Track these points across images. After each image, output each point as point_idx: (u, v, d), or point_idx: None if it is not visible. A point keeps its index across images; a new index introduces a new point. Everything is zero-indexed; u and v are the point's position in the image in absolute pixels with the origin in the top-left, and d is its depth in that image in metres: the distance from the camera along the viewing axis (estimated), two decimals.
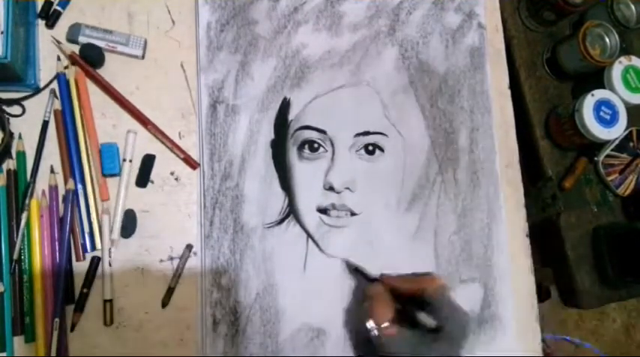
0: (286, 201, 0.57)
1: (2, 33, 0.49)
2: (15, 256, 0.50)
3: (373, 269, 0.56)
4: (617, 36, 0.75)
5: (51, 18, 0.56)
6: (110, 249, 0.53)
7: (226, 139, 0.57)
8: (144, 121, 0.55)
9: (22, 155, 0.53)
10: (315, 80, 0.59)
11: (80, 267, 0.52)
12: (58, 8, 0.56)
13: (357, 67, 0.61)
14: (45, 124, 0.53)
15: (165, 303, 0.53)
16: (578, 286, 0.75)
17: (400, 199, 0.59)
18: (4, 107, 0.53)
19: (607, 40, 0.75)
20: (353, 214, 0.57)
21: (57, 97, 0.54)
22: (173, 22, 0.59)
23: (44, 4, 0.56)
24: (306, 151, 0.58)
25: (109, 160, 0.53)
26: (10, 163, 0.52)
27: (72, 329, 0.51)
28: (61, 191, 0.53)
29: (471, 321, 0.49)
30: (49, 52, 0.55)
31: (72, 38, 0.56)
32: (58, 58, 0.55)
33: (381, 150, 0.59)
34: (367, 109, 0.60)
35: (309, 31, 0.61)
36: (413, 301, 0.49)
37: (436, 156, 0.61)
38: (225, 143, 0.56)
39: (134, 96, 0.56)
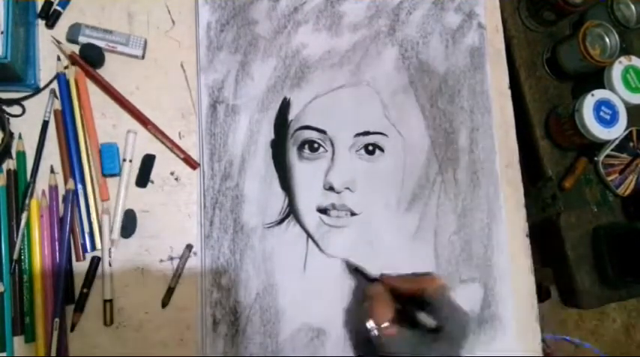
0: (286, 201, 0.57)
1: (2, 33, 0.49)
2: (15, 256, 0.50)
3: (373, 269, 0.56)
4: (617, 36, 0.75)
5: (51, 18, 0.56)
6: (110, 249, 0.53)
7: (226, 139, 0.57)
8: (144, 121, 0.55)
9: (22, 155, 0.53)
10: (315, 80, 0.59)
11: (80, 267, 0.52)
12: (58, 8, 0.56)
13: (357, 67, 0.61)
14: (45, 124, 0.53)
15: (165, 303, 0.53)
16: (578, 286, 0.75)
17: (400, 199, 0.59)
18: (4, 107, 0.53)
19: (607, 40, 0.75)
20: (353, 214, 0.57)
21: (57, 97, 0.54)
22: (173, 22, 0.59)
23: (44, 4, 0.56)
24: (306, 151, 0.58)
25: (109, 160, 0.53)
26: (10, 163, 0.52)
27: (72, 329, 0.51)
28: (61, 191, 0.53)
29: (471, 321, 0.50)
30: (49, 52, 0.55)
31: (72, 38, 0.56)
32: (58, 58, 0.55)
33: (381, 150, 0.59)
34: (367, 109, 0.60)
35: (309, 31, 0.61)
36: (413, 301, 0.49)
37: (436, 156, 0.61)
38: (225, 143, 0.56)
39: (134, 96, 0.56)
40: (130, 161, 0.55)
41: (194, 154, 0.56)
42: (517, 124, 0.66)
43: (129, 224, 0.53)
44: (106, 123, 0.55)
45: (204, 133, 0.56)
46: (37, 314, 0.50)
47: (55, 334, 0.49)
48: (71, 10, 0.57)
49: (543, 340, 0.62)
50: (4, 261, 0.50)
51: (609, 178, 0.77)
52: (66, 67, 0.55)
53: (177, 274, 0.54)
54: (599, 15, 0.77)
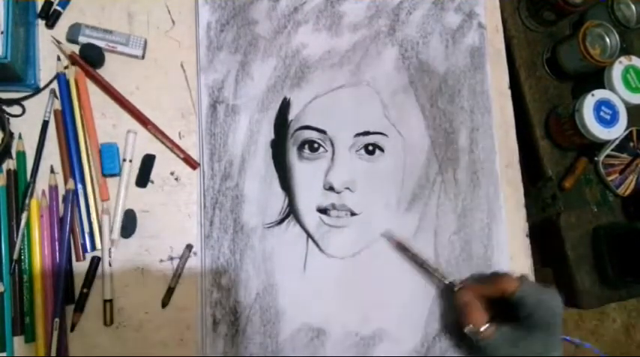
0: (286, 201, 0.57)
1: (2, 33, 0.49)
2: (15, 256, 0.50)
3: (375, 269, 0.56)
4: (617, 36, 0.74)
5: (51, 18, 0.56)
6: (110, 249, 0.53)
7: (226, 139, 0.57)
8: (144, 121, 0.55)
9: (22, 155, 0.53)
10: (315, 80, 0.59)
11: (80, 267, 0.52)
12: (58, 8, 0.56)
13: (357, 67, 0.61)
14: (45, 124, 0.53)
15: (165, 303, 0.53)
16: (578, 286, 0.75)
17: (400, 199, 0.59)
18: (4, 107, 0.53)
19: (607, 40, 0.75)
20: (353, 214, 0.57)
21: (57, 97, 0.54)
22: (173, 22, 0.59)
23: (44, 4, 0.56)
24: (306, 151, 0.58)
25: (109, 160, 0.53)
26: (10, 163, 0.52)
27: (72, 329, 0.51)
28: (61, 191, 0.53)
29: (560, 300, 0.51)
30: (49, 52, 0.55)
31: (72, 38, 0.56)
32: (58, 58, 0.55)
33: (381, 150, 0.59)
34: (367, 109, 0.60)
35: (309, 31, 0.61)
36: (499, 300, 0.50)
37: (436, 156, 0.61)
38: (225, 143, 0.56)
39: (134, 96, 0.56)
40: (130, 161, 0.55)
41: (194, 154, 0.56)
42: (517, 124, 0.66)
43: (129, 224, 0.53)
44: (106, 123, 0.55)
45: (204, 133, 0.56)
46: (37, 314, 0.50)
47: (55, 334, 0.49)
48: (71, 10, 0.57)
49: None
50: (4, 261, 0.50)
51: (609, 178, 0.77)
52: (66, 67, 0.55)
53: (177, 274, 0.54)
54: (599, 15, 0.77)
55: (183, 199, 0.56)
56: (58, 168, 0.53)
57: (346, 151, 0.58)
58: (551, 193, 0.74)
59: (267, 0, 0.60)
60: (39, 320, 0.50)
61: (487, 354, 0.50)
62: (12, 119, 0.53)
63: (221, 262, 0.54)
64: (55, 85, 0.55)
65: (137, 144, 0.55)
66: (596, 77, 0.75)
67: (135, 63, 0.57)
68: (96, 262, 0.52)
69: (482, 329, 0.50)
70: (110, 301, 0.52)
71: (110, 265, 0.52)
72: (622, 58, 0.74)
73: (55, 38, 0.55)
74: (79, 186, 0.53)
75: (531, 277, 0.62)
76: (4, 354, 0.49)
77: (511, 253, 0.61)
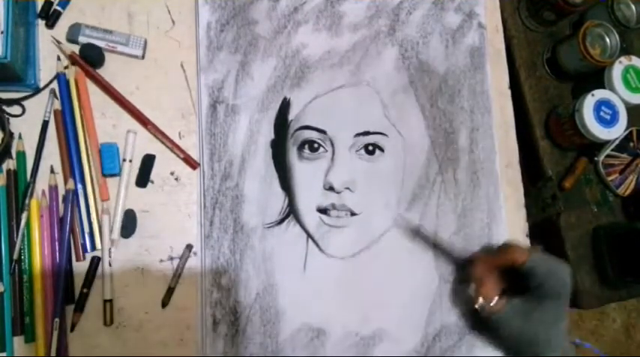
0: (286, 201, 0.57)
1: (2, 33, 0.49)
2: (15, 256, 0.50)
3: (375, 269, 0.56)
4: (617, 36, 0.74)
5: (51, 18, 0.56)
6: (110, 249, 0.53)
7: (226, 139, 0.57)
8: (144, 121, 0.55)
9: (22, 155, 0.53)
10: (315, 80, 0.59)
11: (80, 267, 0.52)
12: (58, 8, 0.56)
13: (357, 67, 0.61)
14: (45, 124, 0.53)
15: (165, 303, 0.53)
16: (578, 286, 0.75)
17: (400, 199, 0.59)
18: (4, 107, 0.53)
19: (607, 40, 0.75)
20: (353, 214, 0.57)
21: (57, 97, 0.54)
22: (173, 22, 0.59)
23: (44, 4, 0.56)
24: (306, 151, 0.58)
25: (109, 160, 0.53)
26: (10, 163, 0.52)
27: (72, 329, 0.51)
28: (61, 191, 0.53)
29: (569, 271, 0.51)
30: (49, 52, 0.55)
31: (72, 38, 0.56)
32: (58, 58, 0.55)
33: (381, 150, 0.59)
34: (367, 109, 0.60)
35: (309, 31, 0.61)
36: (510, 271, 0.50)
37: (436, 156, 0.61)
38: (225, 143, 0.56)
39: (134, 96, 0.56)
40: (130, 161, 0.55)
41: (194, 154, 0.56)
42: (517, 124, 0.66)
43: (129, 224, 0.53)
44: (106, 123, 0.55)
45: (204, 133, 0.56)
46: (37, 314, 0.50)
47: (55, 334, 0.49)
48: (71, 10, 0.57)
49: None
50: (4, 261, 0.50)
51: (609, 178, 0.77)
52: (66, 67, 0.55)
53: (177, 274, 0.54)
54: (599, 15, 0.77)
55: (183, 199, 0.56)
56: (58, 168, 0.53)
57: (346, 151, 0.58)
58: (551, 193, 0.74)
59: (267, 0, 0.60)
60: (39, 320, 0.50)
61: (500, 329, 0.50)
62: (12, 119, 0.53)
63: (221, 262, 0.54)
64: (55, 85, 0.55)
65: (137, 144, 0.55)
66: (596, 77, 0.75)
67: (135, 63, 0.57)
68: (96, 262, 0.52)
69: (492, 303, 0.50)
70: (110, 301, 0.52)
71: (110, 265, 0.52)
72: (622, 58, 0.74)
73: (55, 38, 0.55)
74: (79, 186, 0.53)
75: None
76: (4, 354, 0.49)
77: None
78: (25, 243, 0.51)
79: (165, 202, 0.55)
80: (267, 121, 0.58)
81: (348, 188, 0.58)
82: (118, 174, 0.54)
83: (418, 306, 0.57)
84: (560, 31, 0.81)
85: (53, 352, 0.49)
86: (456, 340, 0.57)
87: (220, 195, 0.55)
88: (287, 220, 0.56)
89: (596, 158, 0.77)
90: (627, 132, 0.75)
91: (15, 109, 0.54)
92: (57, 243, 0.51)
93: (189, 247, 0.55)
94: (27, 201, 0.51)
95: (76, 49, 0.55)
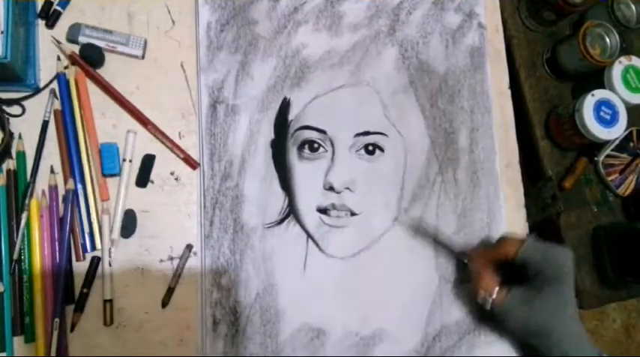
0: (286, 201, 0.57)
1: (2, 33, 0.49)
2: (15, 256, 0.50)
3: (375, 269, 0.56)
4: (617, 36, 0.74)
5: (51, 18, 0.56)
6: (110, 249, 0.53)
7: (226, 139, 0.57)
8: (144, 121, 0.55)
9: (22, 155, 0.53)
10: (315, 80, 0.59)
11: (80, 267, 0.52)
12: (58, 8, 0.56)
13: (357, 67, 0.61)
14: (45, 124, 0.53)
15: (165, 303, 0.53)
16: (578, 286, 0.75)
17: (400, 199, 0.59)
18: (4, 107, 0.53)
19: (607, 40, 0.75)
20: (353, 214, 0.57)
21: (57, 97, 0.54)
22: (173, 22, 0.59)
23: (44, 4, 0.56)
24: (306, 151, 0.58)
25: (109, 160, 0.53)
26: (10, 163, 0.52)
27: (72, 329, 0.51)
28: (61, 191, 0.53)
29: (571, 256, 0.51)
30: (49, 52, 0.55)
31: (72, 38, 0.56)
32: (58, 58, 0.55)
33: (381, 150, 0.59)
34: (367, 109, 0.60)
35: (309, 31, 0.61)
36: (507, 263, 0.52)
37: (436, 156, 0.61)
38: (225, 143, 0.56)
39: (134, 96, 0.56)
40: (130, 161, 0.54)
41: (194, 154, 0.56)
42: (517, 124, 0.66)
43: (129, 224, 0.53)
44: (106, 123, 0.55)
45: (204, 133, 0.56)
46: (37, 314, 0.50)
47: (55, 334, 0.49)
48: (71, 10, 0.57)
49: None
50: (4, 261, 0.50)
51: (609, 178, 0.77)
52: (66, 67, 0.55)
53: (177, 274, 0.54)
54: (599, 15, 0.77)
55: (183, 199, 0.56)
56: (58, 168, 0.53)
57: (346, 151, 0.58)
58: (551, 193, 0.74)
59: (267, 0, 0.60)
60: (39, 320, 0.50)
61: (503, 320, 0.51)
62: (12, 119, 0.53)
63: (221, 262, 0.54)
64: (55, 85, 0.55)
65: (137, 144, 0.55)
66: (596, 77, 0.75)
67: (135, 63, 0.57)
68: (96, 262, 0.52)
69: (494, 295, 0.50)
70: (110, 301, 0.52)
71: (110, 265, 0.52)
72: (622, 58, 0.74)
73: (55, 38, 0.55)
74: (79, 186, 0.53)
75: None
76: (4, 354, 0.49)
77: None
78: (25, 243, 0.51)
79: (165, 202, 0.55)
80: (267, 121, 0.58)
81: (348, 188, 0.57)
82: (118, 174, 0.54)
83: (418, 306, 0.57)
84: (560, 31, 0.81)
85: (53, 352, 0.49)
86: (456, 340, 0.57)
87: (220, 195, 0.55)
88: (287, 220, 0.56)
89: (596, 158, 0.77)
90: (627, 132, 0.75)
91: (15, 109, 0.54)
92: (57, 243, 0.51)
93: (189, 247, 0.55)
94: (27, 201, 0.51)
95: (76, 49, 0.55)
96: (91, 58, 0.55)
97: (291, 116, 0.58)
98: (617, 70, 0.74)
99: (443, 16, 0.64)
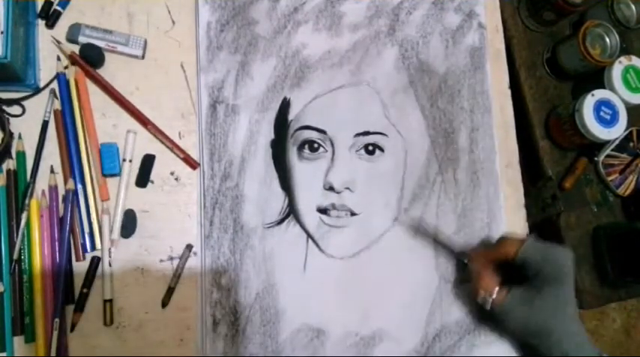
0: (286, 201, 0.57)
1: (2, 33, 0.49)
2: (15, 256, 0.50)
3: (375, 269, 0.56)
4: (617, 36, 0.74)
5: (51, 18, 0.56)
6: (110, 249, 0.53)
7: (226, 139, 0.57)
8: (144, 121, 0.55)
9: (22, 155, 0.53)
10: (315, 80, 0.59)
11: (80, 267, 0.52)
12: (58, 8, 0.56)
13: (357, 67, 0.61)
14: (45, 124, 0.53)
15: (165, 303, 0.53)
16: (578, 286, 0.75)
17: (400, 199, 0.59)
18: (4, 107, 0.53)
19: (607, 40, 0.75)
20: (353, 214, 0.57)
21: (57, 97, 0.54)
22: (173, 22, 0.59)
23: (44, 4, 0.56)
24: (306, 151, 0.58)
25: (109, 160, 0.53)
26: (10, 163, 0.52)
27: (72, 329, 0.51)
28: (61, 191, 0.53)
29: (571, 257, 0.51)
30: (49, 52, 0.55)
31: (72, 38, 0.56)
32: (58, 58, 0.55)
33: (381, 150, 0.59)
34: (367, 109, 0.60)
35: (309, 31, 0.61)
36: (509, 265, 0.52)
37: (436, 156, 0.61)
38: (225, 143, 0.56)
39: (134, 96, 0.56)
40: (130, 161, 0.55)
41: (194, 154, 0.56)
42: (517, 124, 0.66)
43: (129, 224, 0.53)
44: (106, 123, 0.55)
45: (204, 133, 0.56)
46: (37, 314, 0.50)
47: (55, 334, 0.49)
48: (71, 10, 0.57)
49: None
50: (4, 261, 0.50)
51: (609, 178, 0.77)
52: (66, 67, 0.55)
53: (177, 274, 0.54)
54: (599, 15, 0.77)
55: (183, 199, 0.56)
56: (58, 168, 0.53)
57: (346, 151, 0.58)
58: (551, 193, 0.74)
59: (267, 0, 0.60)
60: (39, 320, 0.50)
61: (503, 320, 0.51)
62: (12, 119, 0.53)
63: (221, 262, 0.54)
64: (55, 85, 0.55)
65: (137, 144, 0.55)
66: (596, 77, 0.75)
67: (135, 63, 0.57)
68: (96, 262, 0.52)
69: (494, 295, 0.50)
70: (110, 301, 0.52)
71: (110, 265, 0.52)
72: (622, 58, 0.74)
73: (55, 38, 0.55)
74: (79, 186, 0.53)
75: None
76: (4, 354, 0.49)
77: None
78: (25, 243, 0.51)
79: (165, 202, 0.55)
80: (267, 121, 0.58)
81: (348, 188, 0.57)
82: (118, 174, 0.54)
83: (418, 306, 0.57)
84: (560, 31, 0.81)
85: (53, 352, 0.49)
86: (456, 340, 0.57)
87: (220, 195, 0.55)
88: (287, 220, 0.56)
89: (596, 158, 0.77)
90: (627, 132, 0.75)
91: (15, 109, 0.54)
92: (57, 243, 0.51)
93: (189, 247, 0.55)
94: (27, 201, 0.51)
95: (76, 49, 0.55)
96: (91, 58, 0.55)
97: (291, 116, 0.58)
98: (617, 70, 0.74)
99: (443, 16, 0.64)
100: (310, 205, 0.57)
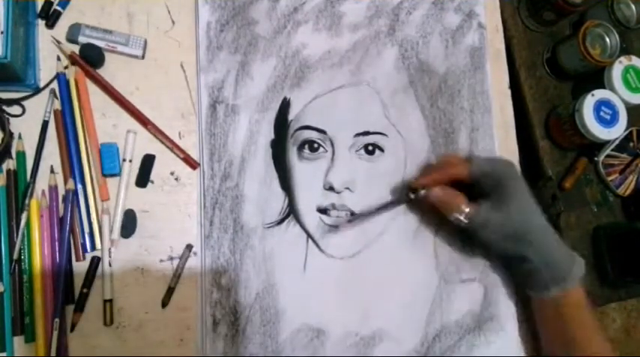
0: (286, 201, 0.57)
1: (2, 33, 0.49)
2: (15, 256, 0.50)
3: (375, 269, 0.56)
4: (617, 36, 0.74)
5: (51, 18, 0.56)
6: (110, 249, 0.53)
7: (226, 139, 0.57)
8: (144, 121, 0.55)
9: (22, 155, 0.53)
10: (315, 80, 0.59)
11: (80, 267, 0.52)
12: (58, 8, 0.56)
13: (357, 67, 0.61)
14: (45, 124, 0.53)
15: (165, 303, 0.53)
16: None
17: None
18: (4, 107, 0.53)
19: (607, 40, 0.75)
20: (353, 214, 0.57)
21: (57, 97, 0.54)
22: (173, 22, 0.59)
23: (44, 4, 0.56)
24: (306, 151, 0.58)
25: (109, 160, 0.53)
26: (10, 163, 0.52)
27: (72, 329, 0.51)
28: (61, 191, 0.53)
29: (509, 162, 0.56)
30: (49, 52, 0.55)
31: (72, 38, 0.56)
32: (58, 58, 0.55)
33: (381, 150, 0.59)
34: (367, 109, 0.60)
35: (309, 31, 0.61)
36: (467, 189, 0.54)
37: (436, 156, 0.61)
38: (225, 143, 0.56)
39: (134, 96, 0.56)
40: (130, 161, 0.55)
41: (194, 154, 0.56)
42: (517, 124, 0.66)
43: (129, 224, 0.53)
44: (106, 123, 0.55)
45: (204, 133, 0.56)
46: (37, 314, 0.50)
47: (55, 334, 0.49)
48: (71, 10, 0.57)
49: None
50: (4, 261, 0.50)
51: (609, 178, 0.77)
52: (66, 67, 0.55)
53: (177, 274, 0.54)
54: (599, 15, 0.77)
55: (183, 199, 0.56)
56: (58, 168, 0.53)
57: (346, 151, 0.58)
58: (551, 193, 0.74)
59: (267, 0, 0.60)
60: (39, 320, 0.50)
61: (484, 228, 0.53)
62: (12, 119, 0.53)
63: (221, 262, 0.54)
64: (55, 85, 0.55)
65: (137, 144, 0.55)
66: (596, 77, 0.75)
67: (135, 63, 0.57)
68: (96, 262, 0.52)
69: (466, 210, 0.52)
70: (110, 301, 0.52)
71: (110, 265, 0.52)
72: (622, 58, 0.74)
73: (55, 38, 0.55)
74: (79, 186, 0.53)
75: None
76: (4, 354, 0.49)
77: None
78: (25, 243, 0.51)
79: (165, 202, 0.55)
80: (267, 121, 0.58)
81: (348, 188, 0.57)
82: (118, 174, 0.54)
83: (418, 306, 0.57)
84: (560, 31, 0.81)
85: (53, 352, 0.49)
86: (456, 340, 0.57)
87: (220, 195, 0.55)
88: (287, 220, 0.56)
89: (596, 158, 0.77)
90: (627, 132, 0.75)
91: (15, 109, 0.54)
92: (57, 243, 0.51)
93: (189, 247, 0.55)
94: (27, 201, 0.51)
95: (76, 49, 0.55)
96: (91, 58, 0.55)
97: (291, 116, 0.58)
98: (617, 70, 0.74)
99: (443, 16, 0.64)
100: (310, 205, 0.57)
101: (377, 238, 0.58)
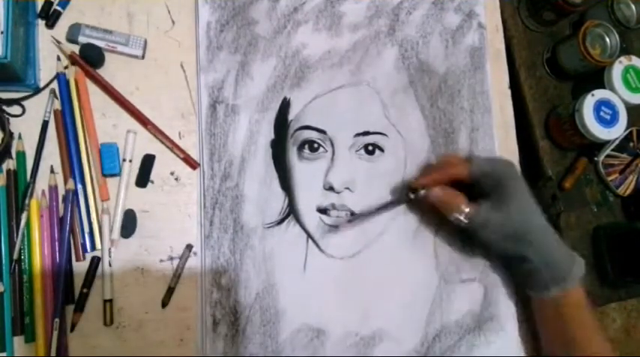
0: (286, 201, 0.57)
1: (2, 33, 0.49)
2: (15, 256, 0.50)
3: (375, 269, 0.56)
4: (617, 36, 0.74)
5: (51, 18, 0.56)
6: (110, 249, 0.53)
7: (226, 139, 0.57)
8: (144, 121, 0.55)
9: (22, 155, 0.53)
10: (315, 80, 0.59)
11: (80, 267, 0.52)
12: (58, 8, 0.56)
13: (357, 67, 0.61)
14: (45, 124, 0.54)
15: (165, 303, 0.53)
16: None
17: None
18: (4, 107, 0.53)
19: (607, 40, 0.75)
20: (353, 214, 0.57)
21: (57, 97, 0.54)
22: (173, 22, 0.59)
23: (44, 4, 0.56)
24: (306, 151, 0.58)
25: (109, 160, 0.53)
26: (10, 163, 0.52)
27: (72, 329, 0.51)
28: (61, 191, 0.53)
29: (509, 162, 0.56)
30: (49, 52, 0.55)
31: (72, 38, 0.56)
32: (58, 58, 0.55)
33: (381, 150, 0.59)
34: (367, 109, 0.60)
35: (309, 31, 0.61)
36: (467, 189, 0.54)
37: (436, 156, 0.61)
38: (225, 143, 0.56)
39: (134, 96, 0.56)
40: (130, 161, 0.55)
41: (194, 154, 0.56)
42: (517, 124, 0.66)
43: (129, 224, 0.53)
44: (106, 123, 0.55)
45: (204, 133, 0.56)
46: (37, 314, 0.50)
47: (55, 334, 0.49)
48: (71, 10, 0.57)
49: None
50: (4, 261, 0.50)
51: (609, 178, 0.77)
52: (66, 67, 0.55)
53: (177, 274, 0.54)
54: (599, 15, 0.77)
55: (183, 199, 0.56)
56: (58, 168, 0.53)
57: (346, 151, 0.58)
58: (551, 193, 0.74)
59: (267, 0, 0.60)
60: (39, 320, 0.50)
61: (485, 228, 0.53)
62: (12, 119, 0.53)
63: (221, 262, 0.54)
64: (55, 85, 0.55)
65: (137, 144, 0.55)
66: (596, 77, 0.75)
67: (135, 63, 0.57)
68: (96, 262, 0.52)
69: (466, 210, 0.52)
70: (110, 301, 0.52)
71: (110, 265, 0.52)
72: (622, 58, 0.74)
73: (55, 38, 0.55)
74: (79, 186, 0.53)
75: None
76: (4, 354, 0.49)
77: None
78: (25, 243, 0.51)
79: (165, 202, 0.55)
80: (267, 121, 0.58)
81: (347, 188, 0.57)
82: (118, 174, 0.54)
83: (418, 306, 0.57)
84: (560, 31, 0.81)
85: (53, 352, 0.49)
86: (456, 340, 0.57)
87: (220, 195, 0.55)
88: (287, 220, 0.56)
89: (596, 158, 0.77)
90: (627, 132, 0.75)
91: (15, 109, 0.54)
92: (57, 243, 0.51)
93: (189, 247, 0.55)
94: (27, 201, 0.51)
95: (76, 49, 0.55)
96: (91, 58, 0.55)
97: (291, 116, 0.58)
98: (617, 70, 0.74)
99: (443, 16, 0.64)
100: (310, 205, 0.57)
101: (377, 238, 0.58)
